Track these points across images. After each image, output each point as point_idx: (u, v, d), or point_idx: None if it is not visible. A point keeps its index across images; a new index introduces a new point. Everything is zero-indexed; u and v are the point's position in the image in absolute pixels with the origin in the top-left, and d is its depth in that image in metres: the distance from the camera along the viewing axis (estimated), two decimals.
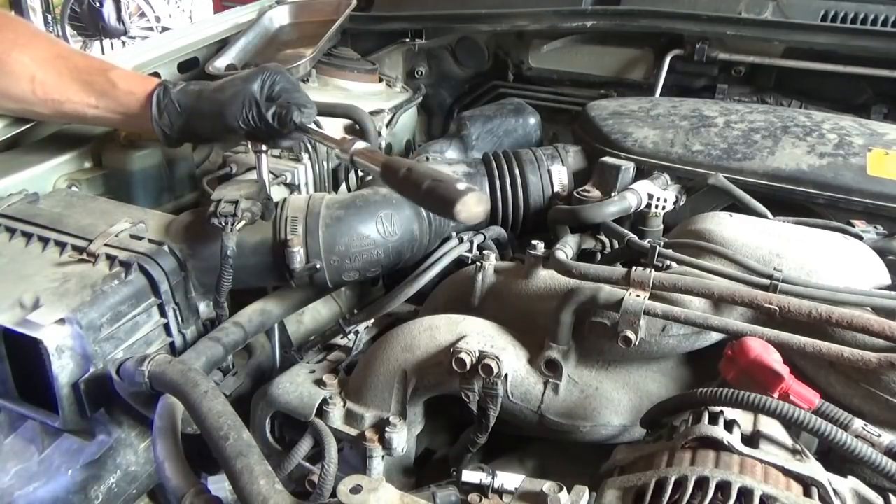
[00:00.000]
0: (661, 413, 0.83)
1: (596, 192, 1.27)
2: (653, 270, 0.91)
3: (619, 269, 0.93)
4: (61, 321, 0.86)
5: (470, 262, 1.14)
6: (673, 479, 0.65)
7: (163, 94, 1.07)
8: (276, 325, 1.14)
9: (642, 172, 1.29)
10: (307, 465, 0.97)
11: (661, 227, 1.25)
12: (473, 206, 0.81)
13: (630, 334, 0.89)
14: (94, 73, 1.10)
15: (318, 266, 1.05)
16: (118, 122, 1.14)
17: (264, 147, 1.14)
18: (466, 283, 1.08)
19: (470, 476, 0.75)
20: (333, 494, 0.66)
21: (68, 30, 6.39)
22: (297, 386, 0.99)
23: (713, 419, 0.73)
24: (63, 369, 0.87)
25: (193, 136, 1.12)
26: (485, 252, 1.11)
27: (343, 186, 1.48)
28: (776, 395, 0.74)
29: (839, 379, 0.86)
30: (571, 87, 1.89)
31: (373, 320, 1.14)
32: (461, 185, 0.82)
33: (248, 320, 1.06)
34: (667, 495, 0.63)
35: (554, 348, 0.94)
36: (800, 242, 1.00)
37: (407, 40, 1.97)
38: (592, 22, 1.69)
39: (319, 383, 0.99)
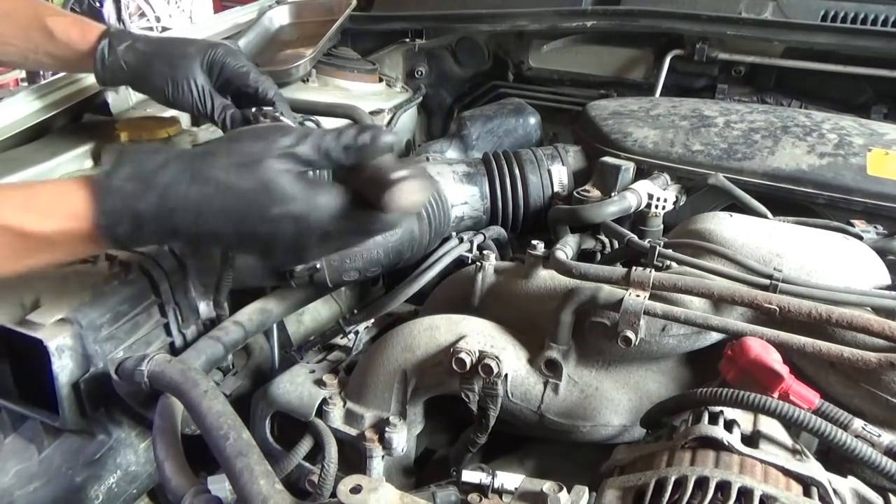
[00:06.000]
0: (661, 413, 0.82)
1: (596, 192, 1.26)
2: (653, 270, 0.91)
3: (619, 269, 0.93)
4: (61, 321, 0.86)
5: (470, 262, 1.14)
6: (673, 479, 0.65)
7: (107, 51, 1.06)
8: (274, 325, 1.14)
9: (642, 172, 1.29)
10: (307, 465, 0.97)
11: (661, 227, 1.25)
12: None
13: (630, 334, 0.89)
14: (31, 20, 1.08)
15: (318, 266, 1.04)
16: (58, 68, 1.15)
17: None
18: (466, 283, 1.08)
19: (470, 476, 0.75)
20: (333, 494, 0.66)
21: None
22: (297, 386, 0.99)
23: (713, 419, 0.73)
24: (63, 369, 0.87)
25: (141, 91, 1.14)
26: (485, 252, 1.11)
27: None
28: (776, 395, 0.73)
29: (839, 379, 0.86)
30: (571, 87, 1.88)
31: (373, 320, 1.14)
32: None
33: (248, 319, 1.05)
34: (667, 495, 0.63)
35: (554, 348, 0.94)
36: (800, 242, 1.00)
37: (407, 40, 1.96)
38: (592, 22, 1.69)
39: (319, 383, 0.99)
